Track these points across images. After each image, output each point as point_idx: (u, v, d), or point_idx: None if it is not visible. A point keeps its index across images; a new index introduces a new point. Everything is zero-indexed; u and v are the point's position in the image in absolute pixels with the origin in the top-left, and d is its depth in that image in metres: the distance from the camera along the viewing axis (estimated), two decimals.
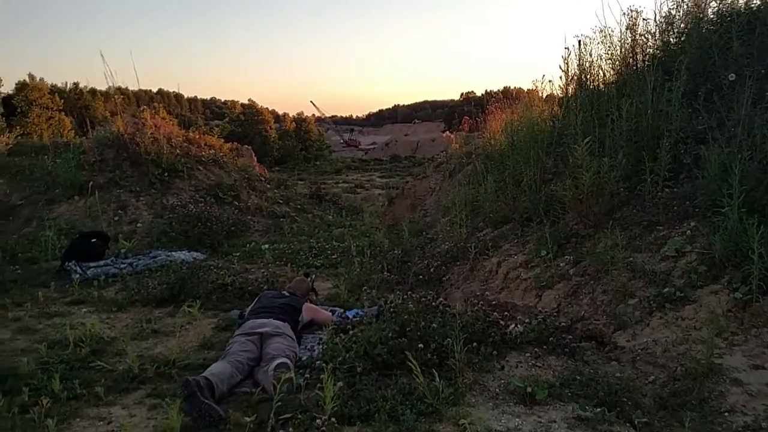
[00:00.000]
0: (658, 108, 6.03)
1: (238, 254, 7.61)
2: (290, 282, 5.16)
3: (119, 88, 10.89)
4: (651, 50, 7.58)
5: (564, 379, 3.62)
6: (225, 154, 11.20)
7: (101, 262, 6.59)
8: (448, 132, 21.15)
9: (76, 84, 61.02)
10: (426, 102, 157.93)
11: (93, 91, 61.38)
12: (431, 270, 6.45)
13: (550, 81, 8.49)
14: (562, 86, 8.34)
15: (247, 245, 7.99)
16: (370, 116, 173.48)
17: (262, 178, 11.31)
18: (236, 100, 69.41)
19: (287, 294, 4.76)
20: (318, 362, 3.62)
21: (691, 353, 3.83)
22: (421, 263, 7.14)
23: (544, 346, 4.14)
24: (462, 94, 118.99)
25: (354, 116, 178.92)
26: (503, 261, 6.32)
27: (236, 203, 9.50)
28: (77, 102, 57.14)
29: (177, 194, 9.13)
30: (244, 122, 54.96)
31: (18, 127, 24.54)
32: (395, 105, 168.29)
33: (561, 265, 5.61)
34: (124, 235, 7.83)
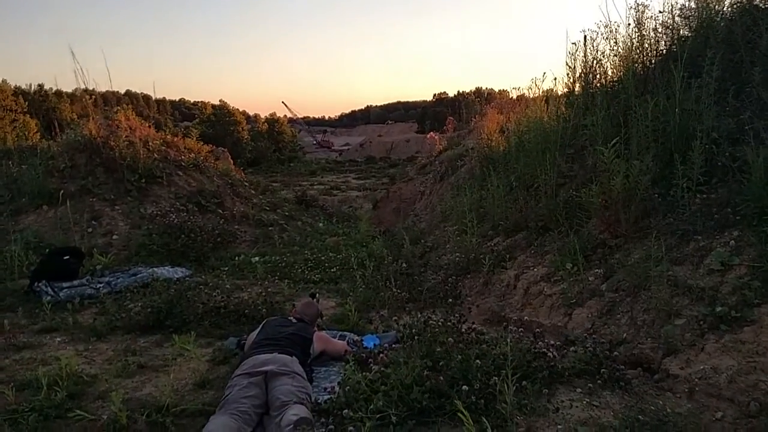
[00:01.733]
0: (686, 106, 5.58)
1: (226, 269, 6.96)
2: (296, 306, 4.54)
3: (86, 90, 10.07)
4: (665, 45, 7.15)
5: (627, 422, 3.10)
6: (205, 157, 10.47)
7: (75, 282, 5.86)
8: (431, 133, 20.62)
9: (40, 85, 59.29)
10: (399, 103, 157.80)
11: (59, 93, 59.67)
12: (446, 286, 5.89)
13: (555, 78, 8.03)
14: (567, 84, 7.89)
15: (236, 258, 7.33)
16: (342, 117, 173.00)
17: (246, 183, 10.62)
18: (206, 101, 68.01)
19: (294, 321, 4.15)
20: (345, 411, 3.02)
21: (762, 385, 3.34)
22: (430, 277, 6.59)
23: (597, 379, 3.62)
24: (434, 94, 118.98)
25: (326, 117, 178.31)
26: (521, 274, 5.80)
27: (220, 211, 8.80)
28: (42, 104, 55.44)
29: (156, 202, 8.39)
30: (215, 123, 53.97)
31: None
32: (368, 106, 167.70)
33: (590, 279, 5.10)
34: (99, 249, 7.10)
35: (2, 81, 48.53)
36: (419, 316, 4.81)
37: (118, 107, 9.80)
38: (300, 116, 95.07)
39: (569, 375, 3.69)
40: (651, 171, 5.29)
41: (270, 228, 8.80)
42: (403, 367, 3.29)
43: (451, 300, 5.66)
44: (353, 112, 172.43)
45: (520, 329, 4.61)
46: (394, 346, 4.00)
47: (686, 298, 4.25)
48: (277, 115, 68.66)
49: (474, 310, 5.65)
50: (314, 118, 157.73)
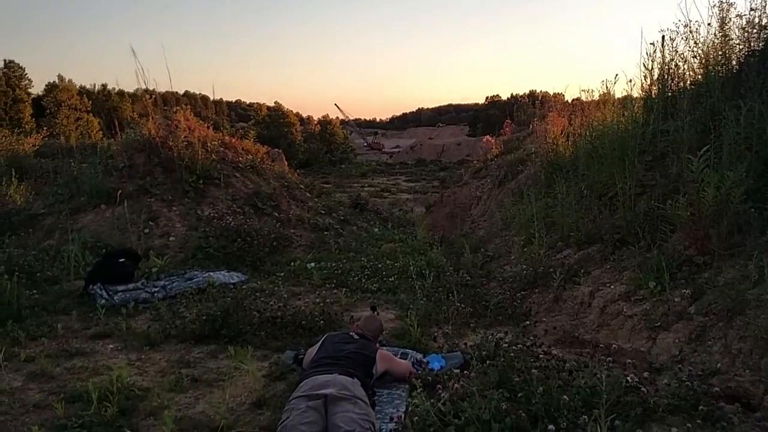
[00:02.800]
0: None
1: (282, 274, 6.74)
2: (358, 320, 4.27)
3: (146, 90, 10.09)
4: (756, 45, 6.58)
5: None
6: (262, 159, 10.34)
7: (130, 285, 5.76)
8: (487, 136, 20.13)
9: (104, 85, 61.54)
10: (450, 105, 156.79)
11: (121, 93, 61.68)
12: (515, 302, 5.51)
13: (630, 81, 7.52)
14: (644, 86, 7.38)
15: (292, 263, 7.12)
16: (393, 119, 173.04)
17: (302, 186, 10.44)
18: (262, 102, 68.97)
19: (356, 337, 3.86)
20: None
21: None
22: (493, 290, 6.21)
23: (694, 417, 3.20)
24: (487, 97, 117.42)
25: (377, 119, 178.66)
26: (597, 291, 5.36)
27: (276, 214, 8.63)
28: (105, 103, 57.40)
29: (213, 204, 8.28)
30: (270, 125, 54.60)
31: (45, 128, 24.12)
32: (419, 108, 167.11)
33: (676, 300, 4.63)
34: (156, 251, 7.01)
35: (68, 81, 50.35)
36: (486, 335, 4.47)
37: (177, 107, 9.76)
38: (352, 118, 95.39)
39: (662, 411, 3.29)
40: (745, 183, 4.80)
41: (325, 232, 8.58)
42: (478, 398, 2.96)
43: (520, 316, 5.29)
44: (404, 114, 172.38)
45: (607, 357, 4.23)
46: (462, 371, 3.68)
47: None
48: (330, 116, 69.05)
49: (543, 329, 5.26)
50: (365, 120, 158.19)
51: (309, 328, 4.70)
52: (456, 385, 3.25)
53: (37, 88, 48.32)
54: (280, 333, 4.68)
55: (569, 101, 18.36)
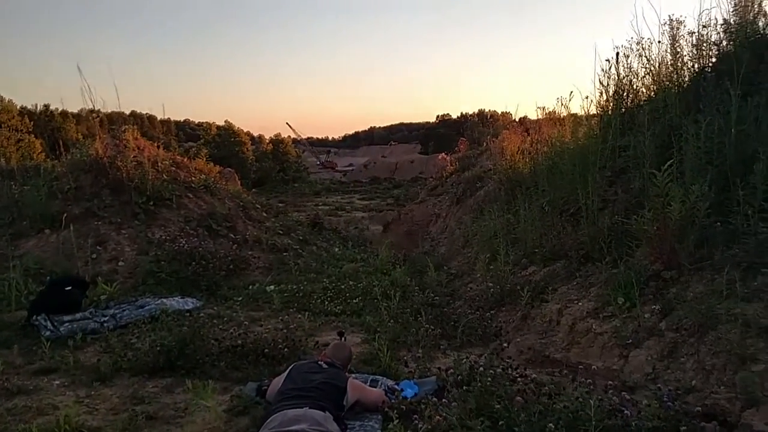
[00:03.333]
0: (741, 126, 5.14)
1: (240, 299, 6.45)
2: (325, 348, 4.05)
3: (92, 110, 9.67)
4: (707, 62, 6.74)
5: None
6: (216, 179, 10.01)
7: (77, 315, 5.36)
8: (443, 154, 20.25)
9: (46, 106, 59.44)
10: (402, 124, 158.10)
11: (64, 113, 59.84)
12: (485, 322, 5.38)
13: (587, 97, 7.59)
14: (600, 103, 7.46)
15: (250, 287, 6.83)
16: (346, 137, 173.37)
17: (258, 206, 10.13)
18: (211, 121, 67.93)
19: (324, 366, 3.64)
20: None
21: None
22: (459, 309, 6.08)
23: None
24: (438, 116, 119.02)
25: (330, 137, 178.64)
26: (565, 308, 5.29)
27: (232, 235, 8.31)
28: (48, 124, 55.54)
29: (164, 226, 7.91)
30: (220, 144, 53.77)
31: None
32: (371, 127, 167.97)
33: (646, 316, 4.59)
34: (104, 277, 6.60)
35: (8, 101, 48.46)
36: (459, 357, 4.32)
37: (126, 126, 9.37)
38: (304, 137, 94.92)
39: None
40: (708, 197, 4.82)
41: (284, 253, 8.30)
42: (459, 430, 2.79)
43: (491, 336, 5.16)
44: (356, 132, 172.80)
45: (581, 378, 4.13)
46: (437, 397, 3.51)
47: (761, 340, 3.76)
48: (282, 135, 68.60)
49: (514, 349, 5.15)
50: (318, 138, 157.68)
51: (272, 357, 4.45)
52: (434, 415, 3.08)
53: None
54: (241, 363, 4.41)
55: (517, 120, 18.68)
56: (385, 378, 4.13)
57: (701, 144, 5.18)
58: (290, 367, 3.64)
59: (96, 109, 9.04)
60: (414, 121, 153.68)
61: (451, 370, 3.92)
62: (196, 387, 3.91)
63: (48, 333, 4.99)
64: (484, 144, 16.08)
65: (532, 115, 14.66)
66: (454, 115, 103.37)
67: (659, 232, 4.90)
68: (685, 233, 4.86)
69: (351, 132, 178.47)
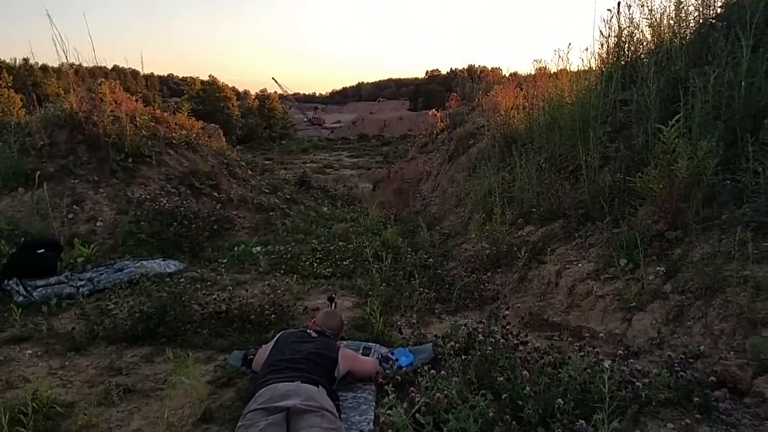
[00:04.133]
0: (751, 79, 4.87)
1: (225, 260, 6.17)
2: (315, 316, 3.81)
3: (72, 64, 9.17)
4: (712, 11, 6.43)
5: None
6: (198, 135, 9.58)
7: (52, 279, 5.07)
8: (434, 110, 19.82)
9: (26, 59, 57.75)
10: (390, 80, 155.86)
11: (44, 68, 58.31)
12: (481, 285, 5.16)
13: (586, 49, 7.25)
14: (600, 55, 7.14)
15: (235, 248, 6.53)
16: (333, 94, 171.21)
17: (243, 163, 9.75)
18: (195, 76, 66.45)
19: (314, 335, 3.40)
20: None
21: None
22: (453, 270, 5.86)
23: (691, 411, 2.93)
24: (427, 72, 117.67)
25: (317, 94, 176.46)
26: (564, 270, 5.09)
27: (216, 194, 7.96)
28: (28, 79, 54.05)
29: (144, 184, 7.55)
30: (204, 99, 52.78)
31: None
32: (359, 83, 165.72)
33: (650, 278, 4.39)
34: (81, 238, 6.28)
35: None
36: (455, 323, 4.11)
37: (102, 79, 8.89)
38: (291, 93, 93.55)
39: (655, 405, 3.00)
40: (716, 153, 4.58)
41: (271, 213, 7.98)
42: (460, 404, 2.58)
43: (488, 300, 4.96)
44: (344, 89, 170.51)
45: (581, 342, 3.93)
46: (433, 367, 3.29)
47: None
48: (268, 91, 67.48)
49: (510, 312, 4.95)
50: (305, 94, 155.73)
51: (258, 323, 4.21)
52: (432, 387, 2.86)
53: None
54: (226, 330, 4.17)
55: (507, 75, 18.20)
56: (378, 345, 3.92)
57: (709, 98, 4.91)
58: (277, 336, 3.40)
59: (69, 61, 8.55)
60: (403, 76, 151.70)
61: (448, 338, 3.72)
62: (177, 356, 3.68)
63: (20, 298, 4.71)
64: (476, 100, 15.68)
65: (523, 71, 14.29)
66: (444, 71, 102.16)
67: (664, 190, 4.66)
68: (691, 191, 4.64)
69: (339, 88, 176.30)
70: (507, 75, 19.32)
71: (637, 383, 2.89)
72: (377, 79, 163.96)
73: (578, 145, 5.95)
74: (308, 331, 3.46)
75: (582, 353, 3.17)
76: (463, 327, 3.73)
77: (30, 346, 4.02)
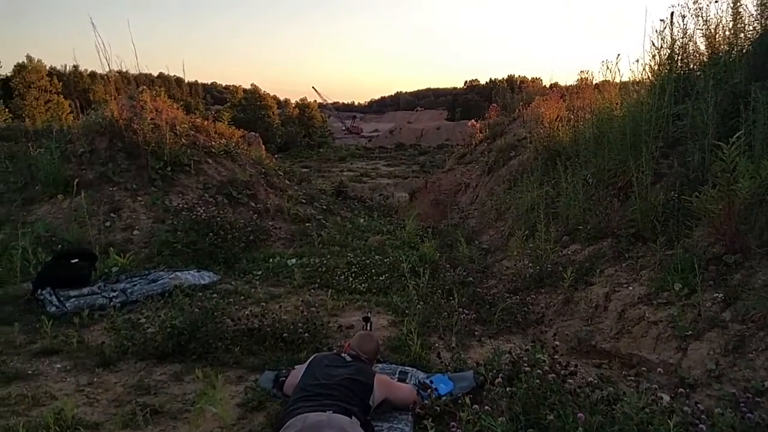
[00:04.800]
0: None
1: (259, 272, 6.05)
2: (350, 335, 3.65)
3: (120, 72, 9.25)
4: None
5: None
6: (237, 143, 9.55)
7: (85, 290, 5.02)
8: (473, 121, 19.57)
9: (75, 66, 59.52)
10: (429, 89, 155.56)
11: (93, 75, 59.89)
12: (525, 307, 4.92)
13: (637, 61, 6.93)
14: (651, 68, 6.81)
15: (270, 260, 6.41)
16: (372, 103, 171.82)
17: (281, 173, 9.68)
18: (238, 85, 67.57)
19: (349, 359, 3.23)
20: None
21: None
22: (493, 289, 5.63)
23: None
24: (466, 82, 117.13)
25: (356, 103, 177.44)
26: (613, 292, 4.81)
27: (253, 204, 7.89)
28: (77, 85, 55.70)
29: (182, 193, 7.52)
30: (246, 107, 53.66)
31: (6, 110, 22.84)
32: (397, 92, 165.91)
33: (708, 304, 4.10)
34: (117, 246, 6.26)
35: (37, 61, 48.48)
36: (497, 348, 3.89)
37: (144, 87, 8.93)
38: (330, 101, 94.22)
39: None
40: None
41: (307, 224, 7.87)
42: None
43: (532, 323, 4.71)
44: (382, 98, 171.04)
45: (630, 370, 3.68)
46: (474, 399, 3.08)
47: None
48: (308, 100, 68.18)
49: (555, 336, 4.69)
50: (344, 104, 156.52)
51: (291, 341, 4.06)
52: (474, 422, 2.65)
53: (6, 69, 46.40)
54: (258, 348, 4.02)
55: (548, 86, 17.82)
56: (415, 370, 3.72)
57: None
58: (311, 359, 3.24)
59: (111, 68, 8.60)
60: (441, 86, 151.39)
61: (490, 366, 3.50)
62: (207, 375, 3.54)
63: (53, 309, 4.66)
64: (516, 111, 15.37)
65: (563, 82, 13.96)
66: (483, 81, 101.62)
67: (723, 211, 4.36)
68: (752, 213, 4.34)
69: (377, 97, 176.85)
70: (547, 86, 18.98)
71: (700, 426, 2.63)
72: (415, 89, 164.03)
73: (629, 161, 5.67)
74: (342, 354, 3.29)
75: (638, 387, 2.92)
76: (506, 354, 3.51)
77: (59, 360, 3.94)
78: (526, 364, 3.29)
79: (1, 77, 45.58)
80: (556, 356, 3.50)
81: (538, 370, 3.08)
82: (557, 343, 4.03)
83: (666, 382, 3.74)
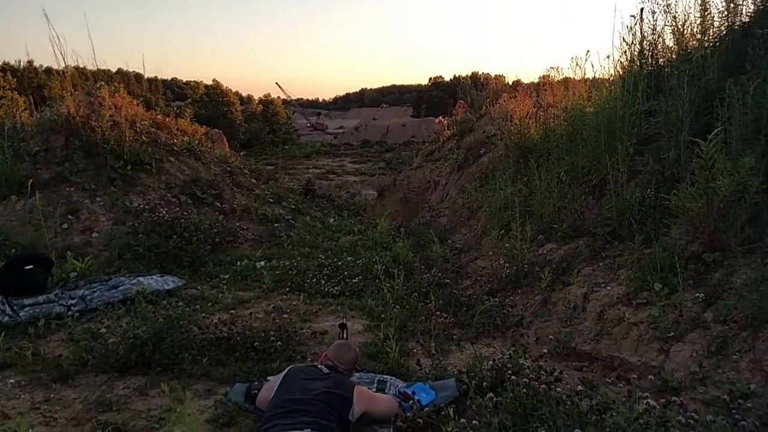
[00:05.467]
0: None
1: (226, 276, 5.81)
2: (325, 342, 3.47)
3: (76, 67, 8.85)
4: (738, 19, 6.11)
5: None
6: (201, 141, 9.23)
7: (41, 298, 4.71)
8: (440, 117, 19.53)
9: (30, 62, 57.67)
10: (393, 86, 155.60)
11: (49, 70, 58.21)
12: (504, 309, 4.81)
13: (608, 57, 6.90)
14: (622, 63, 6.79)
15: (238, 263, 6.16)
16: (336, 99, 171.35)
17: (247, 171, 9.40)
18: (199, 80, 66.38)
19: (326, 370, 3.05)
20: None
21: None
22: (469, 290, 5.52)
23: None
24: (430, 78, 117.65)
25: (320, 99, 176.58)
26: (591, 292, 4.73)
27: (218, 204, 7.61)
28: (31, 81, 53.99)
29: (143, 193, 7.20)
30: (208, 103, 52.65)
31: None
32: (362, 89, 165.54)
33: (689, 304, 4.04)
34: (75, 250, 5.92)
35: None
36: (478, 353, 3.77)
37: (102, 83, 8.54)
38: (294, 98, 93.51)
39: None
40: (758, 170, 4.25)
41: (275, 224, 7.62)
42: None
43: (512, 326, 4.60)
44: (347, 94, 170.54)
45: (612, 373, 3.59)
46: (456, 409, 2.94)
47: None
48: (271, 96, 67.41)
49: (533, 338, 4.59)
50: (308, 100, 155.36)
51: (263, 350, 3.86)
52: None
53: None
54: (227, 358, 3.81)
55: (510, 83, 17.89)
56: (394, 378, 3.56)
57: (748, 110, 4.57)
58: (285, 371, 3.05)
59: (66, 63, 8.22)
60: (406, 83, 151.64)
61: (472, 372, 3.36)
62: (173, 389, 3.33)
63: (5, 319, 4.35)
64: (483, 108, 15.33)
65: (526, 79, 14.00)
66: (447, 78, 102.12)
67: (702, 208, 4.32)
68: (731, 211, 4.30)
69: (342, 94, 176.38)
70: (510, 83, 19.01)
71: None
72: (380, 86, 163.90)
73: (603, 158, 5.61)
74: (319, 366, 3.11)
75: (629, 396, 2.82)
76: (489, 361, 3.38)
77: (13, 375, 3.66)
78: (509, 371, 3.18)
79: None
80: (540, 362, 3.40)
81: (524, 378, 2.95)
82: (545, 350, 3.93)
83: (649, 386, 3.66)
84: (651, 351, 3.98)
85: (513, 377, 3.00)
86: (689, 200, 4.36)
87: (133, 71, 72.00)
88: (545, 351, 4.13)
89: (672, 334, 3.92)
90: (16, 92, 43.77)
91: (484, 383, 3.13)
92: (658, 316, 4.08)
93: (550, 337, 4.52)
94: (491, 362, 3.38)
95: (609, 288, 4.66)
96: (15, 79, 46.42)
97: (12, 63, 57.12)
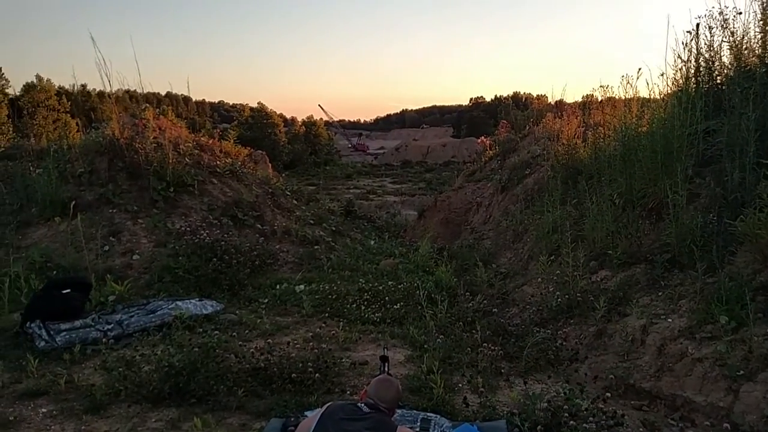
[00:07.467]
0: None
1: (266, 300, 5.68)
2: (365, 378, 3.26)
3: (127, 91, 8.98)
4: None
5: None
6: (243, 162, 9.22)
7: (77, 323, 4.65)
8: (483, 138, 19.27)
9: (83, 85, 59.72)
10: (434, 107, 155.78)
11: (101, 94, 60.04)
12: (557, 342, 4.52)
13: (662, 75, 6.57)
14: (677, 81, 6.46)
15: (277, 286, 6.03)
16: (378, 120, 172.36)
17: (288, 192, 9.33)
18: (245, 103, 67.88)
19: (366, 409, 2.83)
20: None
21: None
22: (516, 318, 5.24)
23: None
24: (471, 99, 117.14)
25: (362, 120, 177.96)
26: (651, 325, 4.40)
27: (259, 226, 7.54)
28: (85, 104, 55.86)
29: (185, 215, 7.18)
30: (253, 125, 53.71)
31: (11, 129, 22.70)
32: (403, 110, 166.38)
33: (759, 340, 3.69)
34: (116, 273, 5.89)
35: (46, 81, 48.80)
36: (530, 392, 3.50)
37: (147, 105, 8.63)
38: (336, 119, 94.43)
39: None
40: None
41: (316, 247, 7.50)
42: None
43: (566, 361, 4.30)
44: (388, 115, 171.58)
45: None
46: None
47: None
48: (314, 118, 68.41)
49: (589, 373, 4.29)
50: (350, 121, 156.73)
51: (300, 382, 3.68)
52: None
53: (15, 89, 46.59)
54: (263, 390, 3.64)
55: (553, 103, 17.55)
56: (438, 417, 3.32)
57: None
58: (323, 409, 2.84)
59: (112, 85, 8.30)
60: (446, 103, 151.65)
61: (524, 413, 3.11)
62: (207, 424, 3.16)
63: (42, 344, 4.30)
64: (527, 127, 15.03)
65: (569, 99, 13.67)
66: (488, 98, 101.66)
67: None
68: None
69: (383, 115, 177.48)
70: (553, 103, 18.67)
71: None
72: (421, 106, 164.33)
73: (659, 180, 5.30)
74: (359, 404, 2.89)
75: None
76: (543, 401, 3.12)
77: (45, 403, 3.57)
78: (566, 413, 2.92)
79: (10, 97, 45.76)
80: (598, 402, 3.12)
81: (584, 424, 2.69)
82: (609, 395, 3.63)
83: (717, 430, 3.35)
84: (718, 390, 3.65)
85: (571, 421, 2.74)
86: (758, 226, 4.04)
87: (182, 94, 73.90)
88: (605, 392, 3.84)
89: (741, 372, 3.59)
90: (69, 115, 45.42)
91: (539, 426, 2.88)
92: (725, 351, 3.75)
93: (606, 372, 4.22)
94: (545, 402, 3.12)
95: (669, 320, 4.33)
96: (69, 102, 48.15)
97: (67, 87, 59.36)
